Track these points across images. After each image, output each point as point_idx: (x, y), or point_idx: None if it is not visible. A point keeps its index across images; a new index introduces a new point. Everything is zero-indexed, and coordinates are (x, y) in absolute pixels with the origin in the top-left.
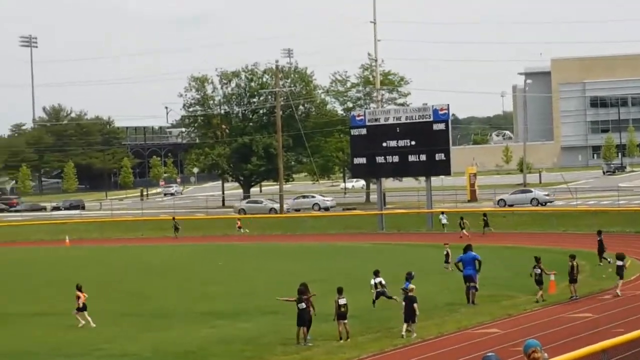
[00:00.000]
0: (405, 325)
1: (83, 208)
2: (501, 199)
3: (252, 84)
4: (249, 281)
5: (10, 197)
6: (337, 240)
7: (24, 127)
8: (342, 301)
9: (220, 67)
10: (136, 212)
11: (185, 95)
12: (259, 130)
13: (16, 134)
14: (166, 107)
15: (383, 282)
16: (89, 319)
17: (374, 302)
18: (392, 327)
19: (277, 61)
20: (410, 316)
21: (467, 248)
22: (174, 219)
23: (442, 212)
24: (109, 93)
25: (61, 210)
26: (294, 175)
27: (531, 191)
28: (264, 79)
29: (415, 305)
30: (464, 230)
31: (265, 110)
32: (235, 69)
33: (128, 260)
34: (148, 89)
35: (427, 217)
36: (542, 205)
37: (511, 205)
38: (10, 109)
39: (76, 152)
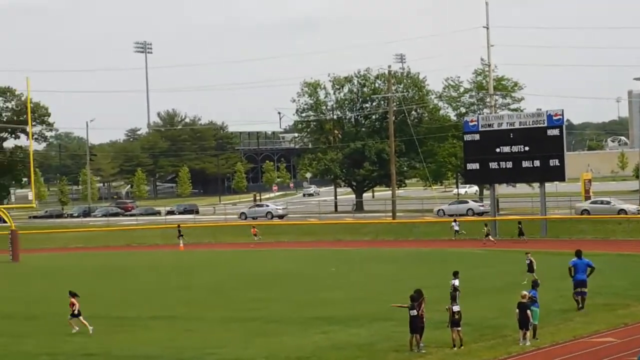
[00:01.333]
0: (521, 333)
1: (197, 212)
2: (440, 209)
3: (365, 89)
4: (361, 287)
5: (125, 202)
6: (449, 247)
7: (139, 132)
8: (455, 308)
9: (333, 72)
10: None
11: (298, 100)
12: (371, 136)
13: (131, 139)
14: (279, 113)
15: (457, 284)
16: (86, 323)
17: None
18: (507, 334)
19: (389, 66)
20: (523, 323)
21: (579, 253)
22: (178, 226)
23: (455, 220)
24: (222, 98)
25: (175, 214)
26: (406, 181)
27: (467, 202)
28: (377, 85)
29: (528, 312)
30: (490, 237)
31: (377, 116)
32: (347, 75)
33: (240, 265)
34: (261, 94)
35: (542, 224)
36: (478, 215)
37: (451, 215)
38: (126, 114)
39: (190, 157)
